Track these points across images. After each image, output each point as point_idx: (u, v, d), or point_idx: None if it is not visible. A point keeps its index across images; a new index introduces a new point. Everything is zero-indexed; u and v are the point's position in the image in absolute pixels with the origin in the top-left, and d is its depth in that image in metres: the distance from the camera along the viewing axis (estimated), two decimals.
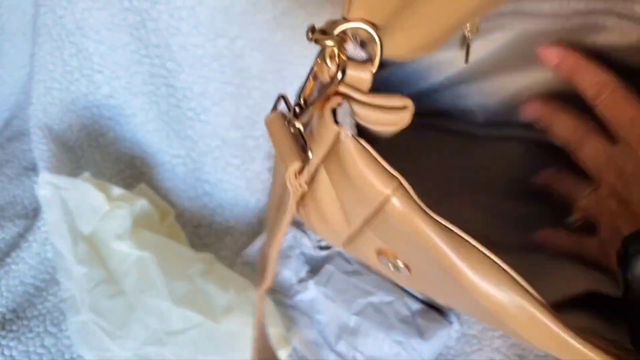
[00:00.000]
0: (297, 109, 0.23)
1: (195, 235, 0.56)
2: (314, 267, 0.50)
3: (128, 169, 0.58)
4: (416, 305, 0.47)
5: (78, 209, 0.49)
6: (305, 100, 0.23)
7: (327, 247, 0.51)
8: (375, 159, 0.21)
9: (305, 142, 0.23)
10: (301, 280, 0.49)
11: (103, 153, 0.58)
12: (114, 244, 0.47)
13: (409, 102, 0.22)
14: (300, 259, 0.51)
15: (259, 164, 0.57)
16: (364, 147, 0.21)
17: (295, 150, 0.23)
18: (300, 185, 0.24)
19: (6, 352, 0.46)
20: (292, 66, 0.56)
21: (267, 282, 0.29)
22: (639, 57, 0.33)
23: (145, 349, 0.44)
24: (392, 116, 0.22)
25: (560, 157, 0.38)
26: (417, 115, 0.40)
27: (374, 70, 0.22)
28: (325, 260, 0.50)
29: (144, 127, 0.57)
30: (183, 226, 0.55)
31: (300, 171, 0.23)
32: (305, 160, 0.23)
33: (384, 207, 0.21)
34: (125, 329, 0.45)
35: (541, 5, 0.32)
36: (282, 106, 0.25)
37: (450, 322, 0.47)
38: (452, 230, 0.21)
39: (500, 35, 0.34)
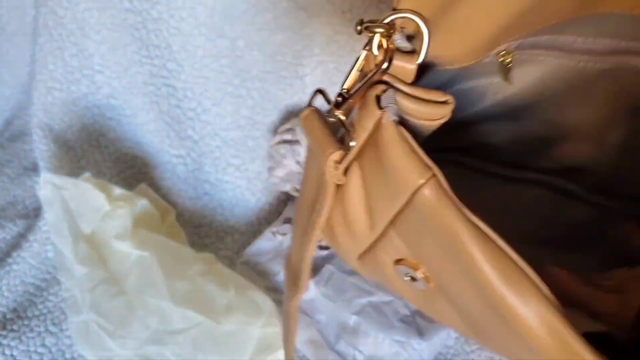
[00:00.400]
0: (340, 99, 0.23)
1: (196, 235, 0.56)
2: (314, 267, 0.50)
3: (128, 169, 0.58)
4: None
5: (79, 208, 0.49)
6: (347, 91, 0.23)
7: (327, 247, 0.51)
8: (413, 147, 0.20)
9: (347, 130, 0.23)
10: None
11: (104, 153, 0.58)
12: (114, 244, 0.47)
13: (450, 97, 0.22)
14: None
15: (259, 164, 0.58)
16: (404, 135, 0.21)
17: (334, 141, 0.23)
18: (339, 177, 0.23)
19: (7, 351, 0.46)
20: (292, 66, 0.56)
21: (302, 290, 0.28)
22: None
23: (146, 348, 0.44)
24: (433, 110, 0.21)
25: (585, 204, 0.37)
26: (449, 150, 0.39)
27: (419, 62, 0.22)
28: (325, 260, 0.50)
29: (145, 127, 0.58)
30: (183, 226, 0.55)
31: (340, 160, 0.23)
32: (345, 149, 0.23)
33: (414, 199, 0.21)
34: (125, 329, 0.45)
35: (574, 40, 0.31)
36: (318, 101, 0.25)
37: None
38: (484, 232, 0.19)
39: (533, 69, 0.33)
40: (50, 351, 0.46)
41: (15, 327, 0.47)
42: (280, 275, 0.50)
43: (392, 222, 0.23)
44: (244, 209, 0.58)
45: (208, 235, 0.56)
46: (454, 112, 0.34)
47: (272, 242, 0.52)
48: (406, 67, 0.22)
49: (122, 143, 0.59)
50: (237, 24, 0.53)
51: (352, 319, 0.46)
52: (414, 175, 0.20)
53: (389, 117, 0.21)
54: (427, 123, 0.22)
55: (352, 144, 0.22)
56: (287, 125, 0.55)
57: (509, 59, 0.30)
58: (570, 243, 0.35)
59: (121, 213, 0.48)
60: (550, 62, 0.32)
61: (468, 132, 0.37)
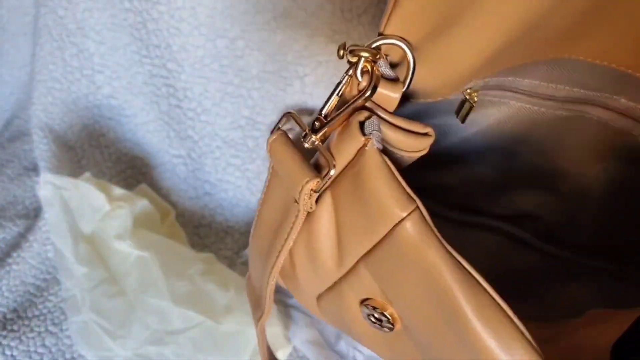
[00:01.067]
0: (318, 124, 0.22)
1: (196, 235, 0.56)
2: None
3: (129, 169, 0.58)
4: None
5: (79, 209, 0.49)
6: (326, 116, 0.22)
7: None
8: (397, 178, 0.20)
9: (325, 157, 0.21)
10: None
11: (104, 153, 0.58)
12: (114, 244, 0.47)
13: (430, 130, 0.21)
14: None
15: (259, 164, 0.58)
16: (387, 163, 0.20)
17: (310, 169, 0.22)
18: (311, 206, 0.22)
19: (7, 351, 0.46)
20: (292, 66, 0.56)
21: (266, 315, 0.27)
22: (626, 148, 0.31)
23: (146, 348, 0.44)
24: (414, 141, 0.21)
25: (536, 252, 0.36)
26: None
27: (404, 90, 0.21)
28: None
29: (145, 128, 0.58)
30: (183, 226, 0.55)
31: (318, 189, 0.21)
32: (321, 178, 0.21)
33: (394, 233, 0.20)
34: (125, 329, 0.45)
35: (538, 84, 0.30)
36: (287, 126, 0.25)
37: None
38: (468, 271, 0.19)
39: (493, 111, 0.32)
40: (50, 351, 0.46)
41: (15, 327, 0.47)
42: None
43: (364, 258, 0.22)
44: (244, 209, 0.58)
45: (208, 235, 0.56)
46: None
47: None
48: (390, 95, 0.21)
49: (122, 143, 0.59)
50: (237, 24, 0.53)
51: None
52: (397, 207, 0.19)
53: (374, 144, 0.20)
54: (406, 154, 0.21)
55: (331, 172, 0.21)
56: (287, 126, 0.55)
57: (475, 98, 0.29)
58: (520, 290, 0.33)
59: (121, 213, 0.48)
60: (512, 105, 0.31)
61: (424, 173, 0.36)
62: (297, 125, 0.23)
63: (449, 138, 0.33)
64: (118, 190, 0.50)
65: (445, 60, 0.23)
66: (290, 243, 0.23)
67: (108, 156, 0.58)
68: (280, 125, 0.24)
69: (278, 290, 0.50)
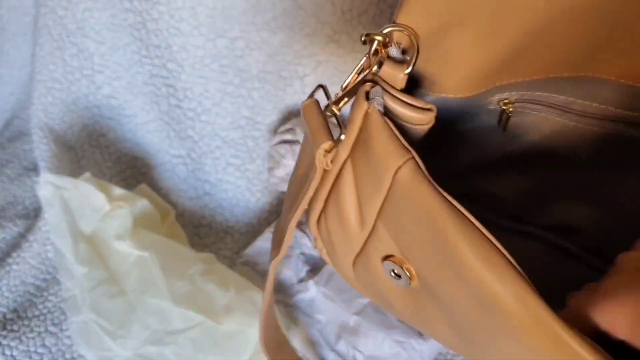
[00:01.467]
0: (338, 96, 0.25)
1: (196, 235, 0.56)
2: (314, 267, 0.50)
3: (129, 169, 0.58)
4: None
5: (79, 209, 0.49)
6: (345, 89, 0.26)
7: None
8: (394, 132, 0.22)
9: (340, 125, 0.25)
10: (301, 280, 0.50)
11: (104, 153, 0.58)
12: (114, 244, 0.47)
13: (433, 106, 0.23)
14: (301, 259, 0.51)
15: (259, 164, 0.58)
16: (386, 121, 0.23)
17: (327, 132, 0.25)
18: (327, 164, 0.25)
19: (7, 351, 0.46)
20: (292, 66, 0.56)
21: (282, 253, 0.30)
22: None
23: (146, 348, 0.44)
24: (418, 115, 0.23)
25: (580, 263, 0.37)
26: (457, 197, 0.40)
27: (408, 71, 0.24)
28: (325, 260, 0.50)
29: (145, 128, 0.58)
30: (183, 226, 0.55)
31: (330, 150, 0.25)
32: (335, 141, 0.25)
33: (395, 182, 0.22)
34: (125, 329, 0.45)
35: (573, 101, 0.32)
36: (318, 95, 0.28)
37: None
38: (460, 211, 0.20)
39: (533, 123, 0.34)
40: (50, 351, 0.46)
41: (15, 327, 0.47)
42: (281, 275, 0.50)
43: (380, 214, 0.24)
44: (244, 209, 0.58)
45: (208, 235, 0.56)
46: (461, 155, 0.34)
47: (272, 242, 0.52)
48: (395, 74, 0.24)
49: (122, 143, 0.59)
50: (237, 24, 0.53)
51: (352, 319, 0.46)
52: (394, 157, 0.22)
53: (375, 107, 0.23)
54: (411, 126, 0.24)
55: (342, 137, 0.25)
56: (287, 126, 0.55)
57: (511, 109, 0.32)
58: (562, 301, 0.35)
59: (121, 213, 0.48)
60: (551, 119, 0.33)
61: (471, 179, 0.38)
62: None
63: (496, 148, 0.35)
64: (118, 190, 0.50)
65: (455, 56, 0.26)
66: (310, 194, 0.27)
67: (108, 156, 0.58)
68: (313, 94, 0.27)
69: (278, 290, 0.50)
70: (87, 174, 0.50)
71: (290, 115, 0.58)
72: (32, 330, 0.47)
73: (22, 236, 0.52)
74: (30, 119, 0.57)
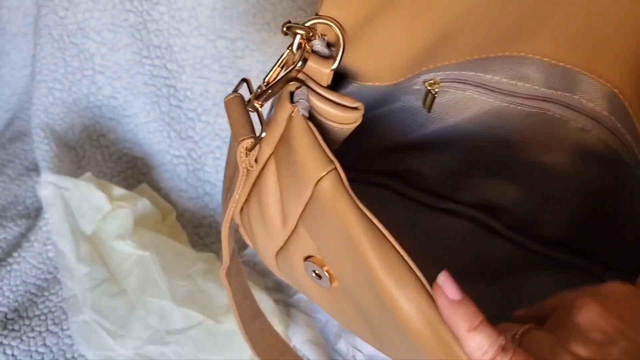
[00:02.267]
0: (259, 91, 0.24)
1: (196, 235, 0.56)
2: None
3: (129, 169, 0.58)
4: None
5: (80, 208, 0.49)
6: (268, 84, 0.24)
7: None
8: (318, 141, 0.22)
9: (261, 120, 0.24)
10: None
11: (104, 153, 0.58)
12: (115, 244, 0.47)
13: (360, 105, 0.23)
14: None
15: None
16: (310, 128, 0.22)
17: (249, 129, 0.24)
18: (249, 164, 0.25)
19: (8, 351, 0.46)
20: None
21: (226, 263, 0.29)
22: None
23: (147, 347, 0.45)
24: (344, 113, 0.23)
25: (506, 241, 0.37)
26: (376, 173, 0.39)
27: (334, 67, 0.23)
28: None
29: (145, 128, 0.58)
30: (184, 226, 0.55)
31: (251, 148, 0.24)
32: (256, 138, 0.24)
33: (315, 192, 0.22)
34: (126, 328, 0.45)
35: (499, 80, 0.31)
36: (242, 89, 0.27)
37: None
38: (374, 225, 0.21)
39: (460, 102, 0.33)
40: (51, 351, 0.46)
41: (16, 327, 0.47)
42: None
43: (301, 217, 0.24)
44: None
45: (208, 235, 0.56)
46: (387, 135, 0.34)
47: None
48: (321, 70, 0.23)
49: (123, 143, 0.59)
50: (237, 24, 0.53)
51: None
52: (317, 167, 0.22)
53: (299, 110, 0.22)
54: (337, 126, 0.23)
55: (262, 134, 0.24)
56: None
57: (436, 89, 0.31)
58: (485, 276, 0.35)
59: (122, 213, 0.48)
60: (477, 98, 0.33)
61: (399, 157, 0.37)
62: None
63: (422, 127, 0.34)
64: (119, 190, 0.50)
65: (382, 45, 0.25)
66: (235, 197, 0.26)
67: (109, 156, 0.58)
68: (237, 89, 0.26)
69: (278, 289, 0.50)
70: (88, 174, 0.50)
71: None
72: (33, 330, 0.47)
73: (23, 236, 0.52)
74: (31, 119, 0.57)
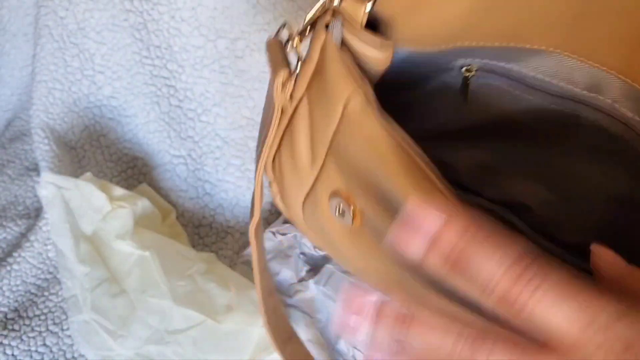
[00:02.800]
0: (298, 30, 0.26)
1: (196, 235, 0.56)
2: (314, 267, 0.50)
3: (129, 169, 0.58)
4: None
5: (80, 208, 0.49)
6: (306, 23, 0.26)
7: None
8: (348, 64, 0.23)
9: (299, 58, 0.25)
10: (301, 280, 0.50)
11: (104, 153, 0.58)
12: (115, 244, 0.47)
13: (390, 42, 0.24)
14: (300, 259, 0.51)
15: None
16: (342, 53, 0.23)
17: (285, 65, 0.25)
18: (286, 98, 0.26)
19: (8, 351, 0.46)
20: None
21: (256, 217, 0.30)
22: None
23: (147, 348, 0.45)
24: (375, 51, 0.24)
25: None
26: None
27: (369, 9, 0.24)
28: (325, 259, 0.50)
29: (145, 128, 0.58)
30: (184, 226, 0.55)
31: (286, 81, 0.25)
32: (292, 72, 0.25)
33: (345, 113, 0.23)
34: (126, 328, 0.45)
35: (534, 76, 0.31)
36: (283, 34, 0.28)
37: None
38: (402, 141, 0.21)
39: (493, 95, 0.33)
40: (51, 351, 0.46)
41: (16, 327, 0.47)
42: (281, 275, 0.51)
43: (330, 148, 0.25)
44: (244, 209, 0.58)
45: (209, 235, 0.56)
46: (424, 120, 0.34)
47: (272, 242, 0.53)
48: (356, 10, 0.24)
49: (123, 143, 0.59)
50: (237, 24, 0.53)
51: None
52: (346, 88, 0.23)
53: (333, 38, 0.24)
54: (370, 62, 0.24)
55: (297, 69, 0.25)
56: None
57: (472, 77, 0.31)
58: None
59: (122, 213, 0.48)
60: (512, 92, 0.32)
61: (434, 147, 0.38)
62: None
63: (457, 116, 0.35)
64: (119, 190, 0.50)
65: (423, 5, 0.26)
66: (270, 139, 0.27)
67: (109, 156, 0.58)
68: (278, 33, 0.28)
69: (278, 289, 0.50)
70: (88, 174, 0.50)
71: None
72: (33, 330, 0.47)
73: (23, 236, 0.52)
74: (31, 119, 0.57)
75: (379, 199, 0.23)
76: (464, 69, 0.31)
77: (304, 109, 0.26)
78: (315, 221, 0.29)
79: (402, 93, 0.25)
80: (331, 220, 0.26)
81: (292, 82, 0.25)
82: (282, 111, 0.26)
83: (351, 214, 0.25)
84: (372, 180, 0.23)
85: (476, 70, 0.31)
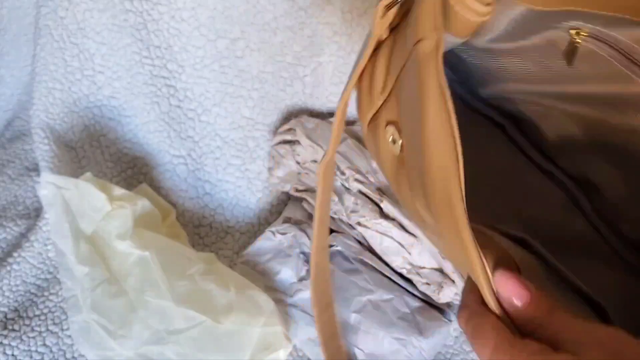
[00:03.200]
0: None
1: (196, 235, 0.56)
2: None
3: (129, 169, 0.58)
4: (415, 303, 0.47)
5: (79, 208, 0.49)
6: None
7: (330, 246, 0.51)
8: (435, 10, 0.24)
9: None
10: (301, 279, 0.50)
11: (104, 153, 0.58)
12: (115, 244, 0.47)
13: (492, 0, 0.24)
14: (301, 259, 0.51)
15: (259, 164, 0.58)
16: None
17: None
18: (382, 27, 0.27)
19: (8, 351, 0.46)
20: (292, 67, 0.56)
21: (329, 155, 0.32)
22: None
23: (147, 348, 0.45)
24: (477, 5, 0.24)
25: (587, 223, 0.37)
26: (500, 111, 0.39)
27: None
28: None
29: (145, 128, 0.58)
30: (184, 226, 0.55)
31: (390, 7, 0.27)
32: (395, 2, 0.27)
33: (414, 49, 0.24)
34: (126, 328, 0.45)
35: (632, 48, 0.29)
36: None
37: (449, 320, 0.47)
38: (445, 93, 0.22)
39: (593, 63, 0.31)
40: (51, 351, 0.46)
41: (16, 327, 0.47)
42: (280, 274, 0.51)
43: (396, 82, 0.27)
44: (244, 209, 0.58)
45: (208, 235, 0.56)
46: (521, 74, 0.34)
47: (272, 242, 0.53)
48: None
49: (123, 143, 0.59)
50: (237, 24, 0.53)
51: (353, 317, 0.46)
52: (424, 29, 0.24)
53: None
54: (467, 14, 0.24)
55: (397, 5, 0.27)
56: (287, 126, 0.55)
57: (580, 41, 0.30)
58: (552, 249, 0.35)
59: (122, 213, 0.48)
60: (615, 65, 0.30)
61: (523, 103, 0.38)
62: None
63: (555, 78, 0.34)
64: (119, 190, 0.50)
65: None
66: (361, 61, 0.29)
67: (109, 156, 0.58)
68: None
69: (278, 289, 0.50)
70: (88, 174, 0.50)
71: (290, 116, 0.58)
72: (33, 330, 0.47)
73: (23, 236, 0.52)
74: (31, 119, 0.57)
75: (413, 144, 0.24)
76: (572, 30, 0.29)
77: (388, 44, 0.28)
78: (373, 140, 0.31)
79: (501, 38, 0.26)
80: (385, 143, 0.29)
81: (392, 11, 0.27)
82: (376, 39, 0.28)
83: (400, 143, 0.28)
84: (414, 121, 0.24)
85: (586, 35, 0.29)
